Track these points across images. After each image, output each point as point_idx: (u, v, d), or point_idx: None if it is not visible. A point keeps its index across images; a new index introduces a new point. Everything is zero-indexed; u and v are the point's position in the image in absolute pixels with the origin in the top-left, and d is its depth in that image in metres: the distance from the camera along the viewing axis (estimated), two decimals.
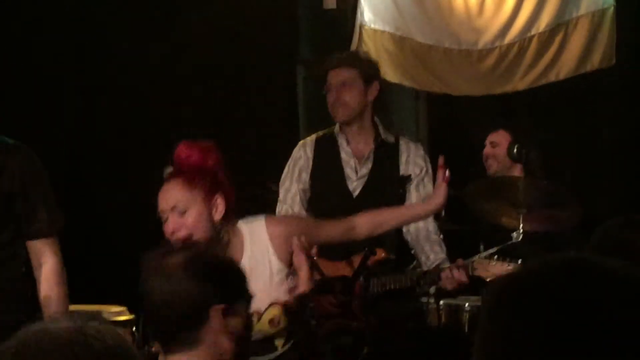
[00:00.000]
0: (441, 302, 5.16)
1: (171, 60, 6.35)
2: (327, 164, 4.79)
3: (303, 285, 3.63)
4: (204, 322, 2.54)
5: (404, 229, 4.68)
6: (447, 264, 4.54)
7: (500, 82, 6.43)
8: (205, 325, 2.54)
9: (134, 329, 4.67)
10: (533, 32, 6.37)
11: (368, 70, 4.81)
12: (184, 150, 3.50)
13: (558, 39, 6.37)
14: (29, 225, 3.78)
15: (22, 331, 1.46)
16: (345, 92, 4.72)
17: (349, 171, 4.76)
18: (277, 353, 3.64)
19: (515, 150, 5.35)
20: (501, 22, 6.40)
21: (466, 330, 5.21)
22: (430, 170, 4.75)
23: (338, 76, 4.76)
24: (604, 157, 6.53)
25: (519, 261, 4.44)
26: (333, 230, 3.83)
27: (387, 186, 4.71)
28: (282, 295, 3.57)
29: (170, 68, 6.33)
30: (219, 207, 3.45)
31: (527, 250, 4.70)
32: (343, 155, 4.78)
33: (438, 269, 4.46)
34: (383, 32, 6.45)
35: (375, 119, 4.82)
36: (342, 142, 4.79)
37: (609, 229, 2.73)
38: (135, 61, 6.28)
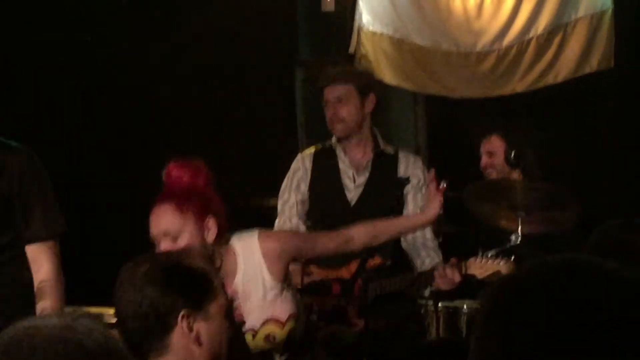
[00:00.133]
0: (439, 305, 5.16)
1: (170, 61, 6.36)
2: (325, 174, 4.81)
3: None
4: (171, 328, 2.56)
5: (402, 240, 4.70)
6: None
7: (498, 84, 6.43)
8: (173, 332, 2.57)
9: None
10: (531, 34, 6.38)
11: (363, 83, 4.83)
12: (174, 171, 3.46)
13: (556, 42, 6.37)
14: (25, 229, 3.77)
15: (10, 328, 1.46)
16: (341, 108, 4.76)
17: (346, 181, 4.78)
18: None
19: (512, 156, 5.35)
20: (499, 25, 6.40)
21: (464, 333, 5.21)
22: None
23: (334, 92, 4.79)
24: (603, 158, 6.53)
25: (512, 258, 4.44)
26: (328, 243, 3.82)
27: (384, 195, 4.73)
28: (276, 311, 3.56)
29: (169, 69, 6.34)
30: (211, 229, 3.43)
31: (526, 252, 4.70)
32: (341, 165, 4.80)
33: (432, 270, 4.47)
34: (381, 34, 6.45)
35: (374, 130, 4.85)
36: (340, 153, 4.82)
37: (608, 230, 2.74)
38: (135, 61, 6.28)
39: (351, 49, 6.32)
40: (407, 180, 4.74)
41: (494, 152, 5.49)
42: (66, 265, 3.97)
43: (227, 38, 6.40)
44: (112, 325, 4.80)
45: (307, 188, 4.82)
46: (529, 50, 6.39)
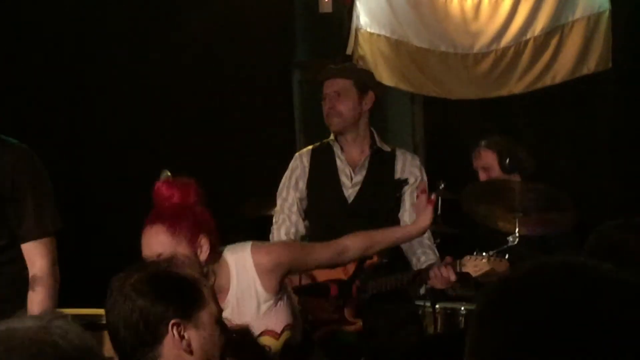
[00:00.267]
0: (437, 306, 5.16)
1: (169, 62, 6.36)
2: (323, 172, 4.81)
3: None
4: (162, 337, 2.58)
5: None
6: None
7: (496, 85, 6.43)
8: (164, 341, 2.58)
9: None
10: (529, 35, 6.38)
11: (363, 80, 4.83)
12: (164, 190, 3.41)
13: (554, 43, 6.37)
14: (18, 227, 3.76)
15: None
16: (339, 102, 4.76)
17: (344, 178, 4.78)
18: None
19: (508, 163, 5.35)
20: (497, 26, 6.40)
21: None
22: (425, 180, 4.77)
23: (333, 86, 4.80)
24: (601, 159, 6.54)
25: (506, 256, 4.44)
26: (323, 254, 3.79)
27: (381, 193, 4.73)
28: (271, 323, 3.55)
29: (168, 70, 6.34)
30: (204, 247, 3.39)
31: (524, 253, 4.70)
32: (338, 163, 4.80)
33: (427, 269, 4.47)
34: (379, 35, 6.45)
35: (371, 128, 4.85)
36: (337, 150, 4.82)
37: (604, 231, 2.73)
38: (133, 61, 6.29)
39: (349, 50, 6.32)
40: (405, 182, 4.74)
41: (488, 166, 5.46)
42: (66, 266, 3.97)
43: (225, 39, 6.40)
44: (94, 326, 4.78)
45: (305, 186, 4.82)
46: (527, 51, 6.39)
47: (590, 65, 6.30)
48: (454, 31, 6.42)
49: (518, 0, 6.36)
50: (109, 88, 6.28)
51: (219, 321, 2.71)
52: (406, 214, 4.68)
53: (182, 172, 3.97)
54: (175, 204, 3.36)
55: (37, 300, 3.74)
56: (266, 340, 3.53)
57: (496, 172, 5.42)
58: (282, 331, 3.56)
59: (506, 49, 6.40)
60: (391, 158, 4.81)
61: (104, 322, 4.88)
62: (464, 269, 4.42)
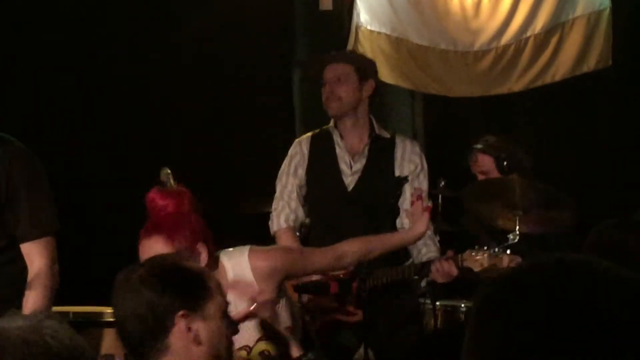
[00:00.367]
0: (437, 303, 5.16)
1: (169, 61, 6.36)
2: (322, 159, 4.81)
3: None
4: (169, 329, 2.59)
5: (399, 226, 4.69)
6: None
7: (496, 83, 6.43)
8: (171, 333, 2.59)
9: None
10: (529, 33, 6.38)
11: (364, 67, 4.84)
12: (159, 201, 3.39)
13: (554, 41, 6.37)
14: (15, 228, 3.75)
15: None
16: (339, 87, 4.75)
17: (343, 166, 4.78)
18: None
19: (505, 165, 5.35)
20: (497, 24, 6.40)
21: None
22: (425, 167, 4.78)
23: (334, 71, 4.80)
24: (601, 158, 6.54)
25: (508, 251, 4.44)
26: (321, 260, 3.79)
27: (381, 181, 4.73)
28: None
29: (168, 69, 6.34)
30: (202, 255, 3.38)
31: (524, 251, 4.70)
32: (338, 150, 4.80)
33: (428, 262, 4.47)
34: (379, 33, 6.45)
35: (371, 116, 4.84)
36: (336, 138, 4.81)
37: (603, 230, 2.74)
38: (134, 61, 6.29)
39: (349, 48, 6.31)
40: (405, 179, 4.74)
41: (486, 170, 5.46)
42: (66, 266, 3.96)
43: (225, 38, 6.40)
44: (94, 324, 4.77)
45: (304, 173, 4.82)
46: (527, 49, 6.39)
47: (591, 63, 6.30)
48: (454, 29, 6.42)
49: None
50: (109, 88, 6.28)
51: (226, 314, 2.72)
52: (406, 202, 4.67)
53: (182, 171, 3.98)
54: (171, 213, 3.35)
55: (31, 299, 3.72)
56: (264, 345, 3.53)
57: (495, 175, 5.42)
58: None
59: (506, 46, 6.40)
60: (391, 145, 4.80)
61: (103, 320, 4.90)
62: (466, 264, 4.43)
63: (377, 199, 4.70)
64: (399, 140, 4.83)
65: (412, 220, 4.06)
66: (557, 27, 6.37)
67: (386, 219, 4.69)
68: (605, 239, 2.69)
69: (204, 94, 6.45)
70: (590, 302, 1.22)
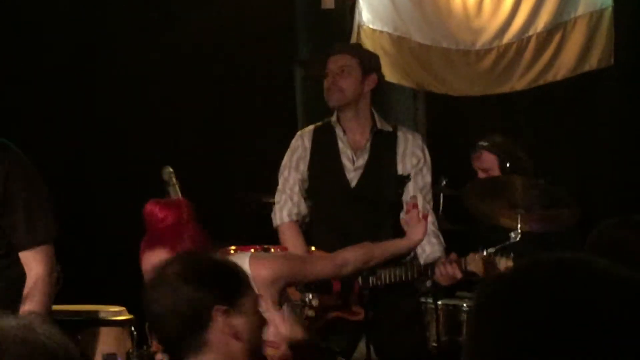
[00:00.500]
0: (439, 302, 5.16)
1: (170, 61, 6.36)
2: (324, 154, 4.80)
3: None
4: (207, 325, 2.58)
5: (402, 220, 4.68)
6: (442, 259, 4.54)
7: (498, 82, 6.43)
8: (210, 328, 2.58)
9: (132, 328, 4.68)
10: (531, 32, 6.38)
11: (368, 60, 4.84)
12: (158, 213, 3.36)
13: (556, 40, 6.37)
14: (12, 236, 3.73)
15: None
16: (342, 78, 4.75)
17: (346, 161, 4.77)
18: None
19: (508, 166, 5.35)
20: (499, 23, 6.40)
21: (464, 330, 5.21)
22: (428, 160, 4.77)
23: (337, 62, 4.79)
24: (603, 156, 6.53)
25: (511, 255, 4.44)
26: (322, 268, 3.78)
27: (384, 177, 4.73)
28: (271, 334, 3.54)
29: (168, 68, 6.34)
30: None
31: (525, 250, 4.70)
32: (340, 145, 4.79)
33: (433, 264, 4.47)
34: (381, 32, 6.45)
35: (373, 110, 4.84)
36: (339, 132, 4.80)
37: (604, 229, 2.74)
38: (134, 61, 6.28)
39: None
40: (407, 178, 4.74)
41: (488, 168, 5.47)
42: (66, 265, 3.96)
43: (226, 37, 6.40)
44: (113, 323, 4.78)
45: (306, 167, 4.81)
46: (529, 48, 6.39)
47: (593, 62, 6.30)
48: (456, 28, 6.42)
49: None
50: (109, 87, 6.27)
51: (260, 309, 2.73)
52: (409, 197, 4.66)
53: (184, 170, 3.98)
54: (171, 224, 3.34)
55: (29, 307, 3.69)
56: (267, 352, 3.53)
57: (496, 173, 5.43)
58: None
59: (508, 45, 6.40)
60: (393, 139, 4.78)
61: (106, 319, 4.89)
62: (470, 268, 4.43)
63: (379, 195, 4.70)
64: (400, 134, 4.82)
65: (408, 228, 4.06)
66: (559, 26, 6.37)
67: (389, 214, 4.69)
68: (606, 238, 2.70)
69: (205, 93, 6.45)
70: (590, 302, 1.22)
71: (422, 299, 5.14)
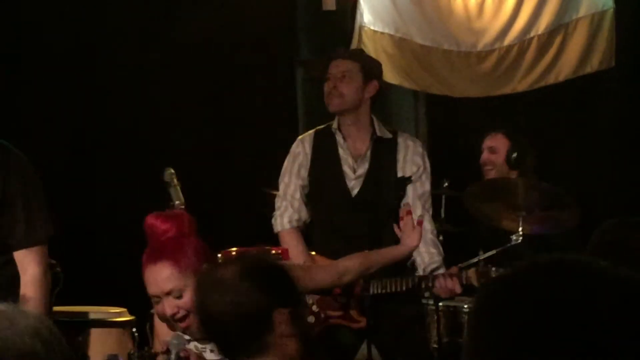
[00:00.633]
0: (440, 304, 5.16)
1: (170, 62, 6.36)
2: (325, 161, 4.79)
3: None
4: (269, 327, 2.58)
5: (396, 228, 4.68)
6: (442, 269, 4.54)
7: (499, 83, 6.44)
8: (271, 331, 2.58)
9: (134, 330, 4.68)
10: (532, 34, 6.38)
11: (370, 67, 4.83)
12: (160, 225, 3.32)
13: (557, 41, 6.38)
14: (9, 236, 3.72)
15: None
16: (343, 83, 4.73)
17: (346, 169, 4.76)
18: None
19: (514, 158, 5.36)
20: (500, 24, 6.41)
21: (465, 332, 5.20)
22: (428, 167, 4.75)
23: (339, 66, 4.78)
24: (603, 158, 6.53)
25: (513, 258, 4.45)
26: (323, 277, 3.80)
27: (384, 184, 4.72)
28: None
29: (169, 69, 6.34)
30: None
31: (527, 252, 4.71)
32: (341, 152, 4.78)
33: (433, 276, 4.46)
34: (382, 33, 6.45)
35: (373, 116, 4.83)
36: (339, 139, 4.79)
37: (606, 229, 2.74)
38: (134, 61, 6.29)
39: (352, 48, 6.31)
40: (408, 180, 4.73)
41: (496, 149, 5.51)
42: (67, 266, 3.96)
43: (227, 37, 6.40)
44: (114, 325, 4.78)
45: (307, 174, 4.80)
46: (530, 49, 6.40)
47: (594, 64, 6.31)
48: (457, 29, 6.43)
49: None
50: (110, 87, 6.28)
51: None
52: (403, 205, 4.66)
53: (185, 171, 3.98)
54: (173, 237, 3.33)
55: (30, 307, 3.69)
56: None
57: (500, 159, 5.46)
58: None
59: (510, 47, 6.41)
60: (393, 146, 4.77)
61: (108, 320, 4.88)
62: (469, 281, 4.42)
63: (380, 202, 4.69)
64: (401, 140, 4.80)
65: (403, 235, 4.07)
66: (560, 27, 6.38)
67: (389, 220, 4.68)
68: (607, 238, 2.70)
69: (206, 93, 6.45)
70: (590, 302, 1.22)
71: (423, 301, 5.14)
